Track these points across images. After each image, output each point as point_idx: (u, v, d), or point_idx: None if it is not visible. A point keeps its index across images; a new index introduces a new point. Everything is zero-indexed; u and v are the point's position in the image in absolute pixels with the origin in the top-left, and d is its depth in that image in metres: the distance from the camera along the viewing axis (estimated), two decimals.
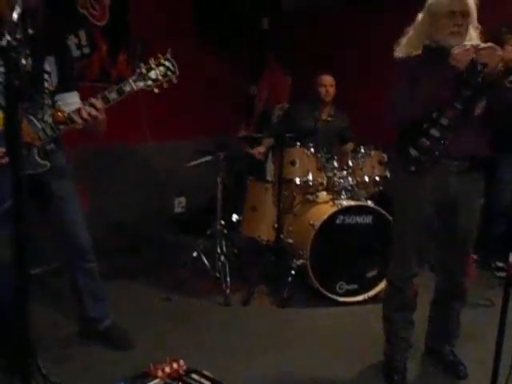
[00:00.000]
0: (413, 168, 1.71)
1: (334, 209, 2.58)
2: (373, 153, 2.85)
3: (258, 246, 2.93)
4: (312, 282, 2.56)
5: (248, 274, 2.81)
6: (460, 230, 1.77)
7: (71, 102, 1.79)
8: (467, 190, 1.73)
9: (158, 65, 1.71)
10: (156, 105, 2.90)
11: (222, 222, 2.82)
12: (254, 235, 2.90)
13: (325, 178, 2.84)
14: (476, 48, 1.57)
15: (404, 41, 1.76)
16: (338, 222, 2.58)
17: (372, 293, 2.62)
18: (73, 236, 1.92)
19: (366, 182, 2.82)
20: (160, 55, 1.72)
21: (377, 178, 2.83)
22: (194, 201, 3.87)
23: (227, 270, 2.67)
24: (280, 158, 2.76)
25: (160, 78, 1.71)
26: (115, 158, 3.19)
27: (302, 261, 2.59)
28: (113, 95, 1.71)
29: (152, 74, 1.70)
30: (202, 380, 1.59)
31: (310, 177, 2.78)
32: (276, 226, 2.79)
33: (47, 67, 1.74)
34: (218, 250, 2.74)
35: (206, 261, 2.75)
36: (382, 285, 2.54)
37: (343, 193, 2.77)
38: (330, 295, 2.57)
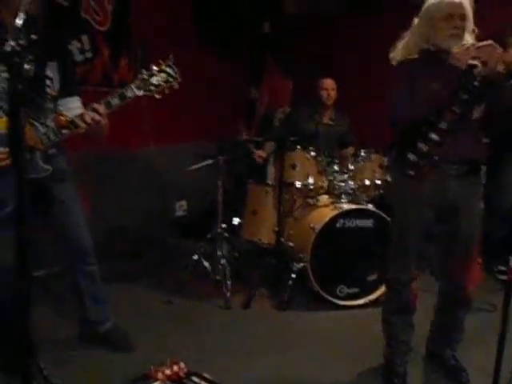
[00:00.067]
0: (411, 172, 1.71)
1: (335, 212, 2.59)
2: (373, 156, 2.86)
3: (259, 250, 2.94)
4: (312, 285, 2.56)
5: (248, 277, 2.82)
6: (461, 234, 1.76)
7: (73, 106, 1.81)
8: (466, 194, 1.73)
9: (160, 71, 1.74)
10: (157, 109, 2.91)
11: (223, 226, 2.83)
12: (254, 238, 2.91)
13: (325, 182, 2.85)
14: (475, 46, 1.57)
15: (401, 45, 1.77)
16: (338, 225, 2.58)
17: (373, 296, 2.61)
18: (75, 239, 1.94)
19: (366, 185, 2.83)
20: (161, 61, 1.75)
21: (377, 182, 2.84)
22: (195, 204, 3.89)
23: (228, 273, 2.68)
24: (281, 161, 2.78)
25: (161, 83, 1.74)
26: (117, 163, 3.20)
27: (302, 264, 2.60)
28: (115, 101, 1.74)
29: (154, 80, 1.73)
30: (203, 382, 1.60)
31: (311, 180, 2.80)
32: (276, 229, 2.79)
33: (49, 73, 1.76)
34: (219, 253, 2.75)
35: (206, 264, 2.76)
36: (383, 288, 2.53)
37: (344, 196, 2.78)
38: (330, 298, 2.57)
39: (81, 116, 1.72)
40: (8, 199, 1.60)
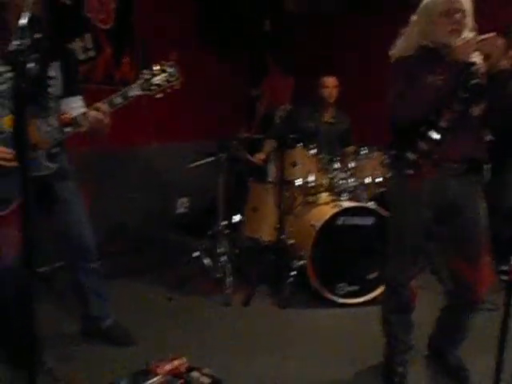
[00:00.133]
0: (410, 171, 1.70)
1: (335, 210, 2.59)
2: (375, 154, 2.86)
3: (259, 247, 2.95)
4: (313, 282, 2.57)
5: (249, 274, 2.84)
6: (465, 233, 1.74)
7: (76, 106, 1.84)
8: (467, 193, 1.72)
9: (162, 71, 1.75)
10: (158, 107, 2.93)
11: (224, 223, 2.84)
12: (255, 236, 2.92)
13: (326, 180, 2.86)
14: (478, 39, 1.54)
15: (400, 42, 1.75)
16: (338, 223, 2.59)
17: (373, 295, 2.61)
18: (77, 237, 1.96)
19: (367, 183, 2.83)
20: (163, 61, 1.77)
21: (378, 180, 2.83)
22: (196, 202, 3.91)
23: (228, 270, 2.69)
24: (281, 159, 2.79)
25: (163, 83, 1.75)
26: (118, 160, 3.22)
27: (302, 261, 2.61)
28: (118, 100, 1.76)
29: (155, 80, 1.75)
30: (203, 378, 1.62)
31: (311, 178, 2.81)
32: (277, 226, 2.80)
33: (53, 72, 1.78)
34: (219, 251, 2.77)
35: (207, 261, 2.78)
36: (383, 287, 2.54)
37: (344, 194, 2.79)
38: (330, 296, 2.58)
39: (84, 115, 1.74)
40: (12, 198, 1.62)
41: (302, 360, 2.03)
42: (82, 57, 3.00)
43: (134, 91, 1.75)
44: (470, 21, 1.66)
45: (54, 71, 1.78)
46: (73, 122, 1.75)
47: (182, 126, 3.68)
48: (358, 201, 2.74)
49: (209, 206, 3.30)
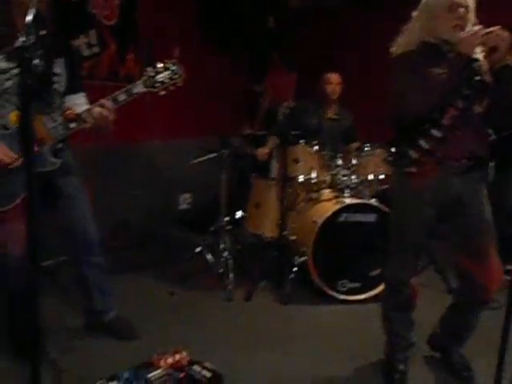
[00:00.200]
0: (412, 169, 1.69)
1: (337, 206, 2.59)
2: (378, 151, 2.85)
3: (261, 243, 2.96)
4: (314, 279, 2.58)
5: (251, 270, 2.85)
6: (470, 230, 1.72)
7: (79, 102, 1.86)
8: (470, 190, 1.70)
9: (165, 69, 1.77)
10: (161, 104, 2.94)
11: (226, 219, 2.86)
12: (257, 232, 2.93)
13: (328, 176, 2.86)
14: (484, 32, 1.51)
15: (402, 38, 1.73)
16: (340, 219, 2.59)
17: (374, 292, 2.62)
18: (81, 232, 1.98)
19: (370, 180, 2.83)
20: (167, 59, 1.78)
21: (381, 177, 2.83)
22: (198, 198, 3.93)
23: (230, 265, 2.71)
24: (283, 155, 2.79)
25: (167, 81, 1.77)
26: (121, 157, 3.24)
27: (304, 258, 2.62)
28: (122, 96, 1.78)
29: (159, 78, 1.77)
30: (204, 371, 1.64)
31: (314, 174, 2.81)
32: (279, 222, 2.81)
33: (57, 69, 1.79)
34: (222, 246, 2.78)
35: (209, 256, 2.80)
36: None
37: (346, 191, 2.79)
38: (332, 293, 2.59)
39: (89, 111, 1.76)
40: (17, 193, 1.64)
41: (302, 356, 2.05)
42: (86, 53, 3.02)
43: (138, 88, 1.77)
44: (472, 16, 1.63)
45: (58, 68, 1.79)
46: (77, 119, 1.77)
47: (185, 122, 3.69)
48: (360, 197, 2.74)
49: (211, 202, 3.32)
